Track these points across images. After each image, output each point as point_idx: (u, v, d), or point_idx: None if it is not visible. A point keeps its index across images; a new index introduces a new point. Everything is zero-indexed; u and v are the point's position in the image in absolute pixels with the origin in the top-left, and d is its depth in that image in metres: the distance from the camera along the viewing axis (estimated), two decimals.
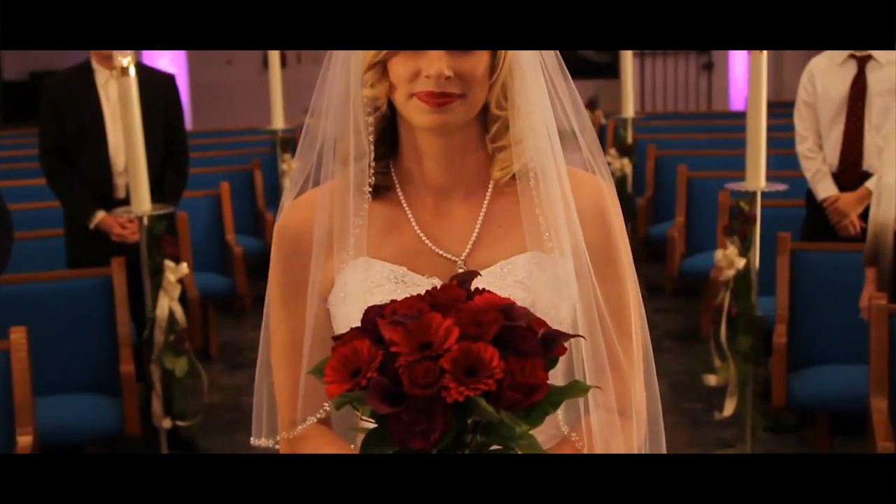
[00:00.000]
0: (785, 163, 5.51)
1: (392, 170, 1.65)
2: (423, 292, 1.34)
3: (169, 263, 4.49)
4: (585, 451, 1.55)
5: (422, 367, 1.23)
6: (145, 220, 4.44)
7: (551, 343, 1.32)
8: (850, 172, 4.79)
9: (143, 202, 4.38)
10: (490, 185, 1.64)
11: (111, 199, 4.70)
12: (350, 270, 1.60)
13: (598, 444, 1.55)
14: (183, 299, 4.56)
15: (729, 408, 4.41)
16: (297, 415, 1.62)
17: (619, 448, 1.57)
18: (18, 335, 3.65)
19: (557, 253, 1.57)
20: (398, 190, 1.64)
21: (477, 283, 1.39)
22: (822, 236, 4.79)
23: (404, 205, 1.64)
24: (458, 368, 1.23)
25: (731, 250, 4.41)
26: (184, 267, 4.53)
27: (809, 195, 4.93)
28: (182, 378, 4.50)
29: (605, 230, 1.63)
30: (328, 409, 1.58)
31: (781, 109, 7.00)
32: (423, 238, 1.62)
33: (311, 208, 1.63)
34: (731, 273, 4.40)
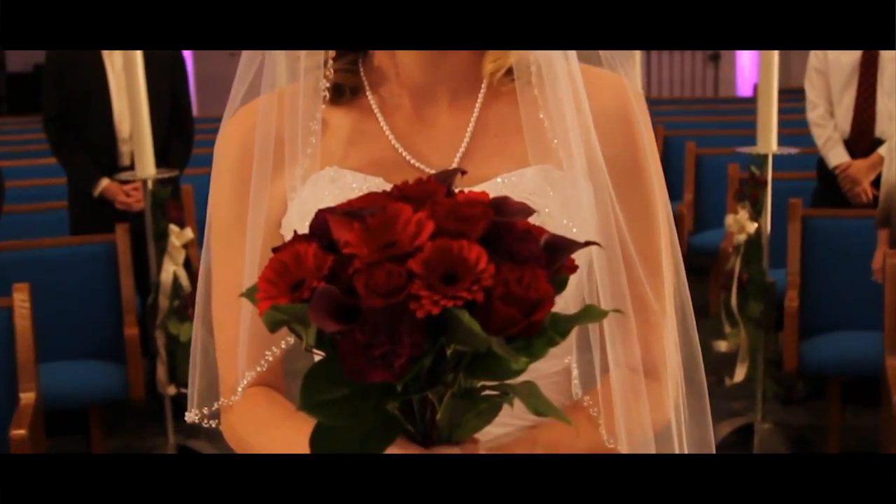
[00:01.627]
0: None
1: (360, 68, 1.23)
2: None
3: (174, 228, 4.14)
4: (602, 421, 1.15)
5: (383, 271, 0.84)
6: (150, 185, 4.10)
7: (557, 252, 0.93)
8: (863, 139, 4.43)
9: (147, 166, 4.06)
10: (483, 85, 1.21)
11: (115, 167, 4.38)
12: (312, 183, 1.18)
13: (617, 410, 1.13)
14: (188, 265, 4.21)
15: (740, 374, 4.04)
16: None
17: (643, 416, 1.15)
18: (21, 292, 3.41)
19: (569, 168, 1.16)
20: (367, 93, 1.22)
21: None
22: (834, 206, 4.41)
23: (376, 110, 1.21)
24: (433, 273, 0.85)
25: (742, 215, 4.02)
26: (188, 232, 4.17)
27: (820, 164, 4.56)
28: (186, 344, 4.13)
29: (630, 140, 1.20)
30: (274, 354, 1.20)
31: (789, 95, 6.67)
32: (400, 150, 1.20)
33: (256, 117, 1.22)
34: (741, 238, 4.02)
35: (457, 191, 0.96)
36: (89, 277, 4.12)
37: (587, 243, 0.96)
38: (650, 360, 1.18)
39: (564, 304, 1.06)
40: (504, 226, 0.91)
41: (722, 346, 4.13)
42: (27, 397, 3.32)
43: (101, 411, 4.13)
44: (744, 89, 11.97)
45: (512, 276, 0.88)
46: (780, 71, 3.99)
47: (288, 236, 1.18)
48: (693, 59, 12.84)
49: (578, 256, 0.97)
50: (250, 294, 0.94)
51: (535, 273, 0.89)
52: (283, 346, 1.20)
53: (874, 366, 3.69)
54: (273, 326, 0.88)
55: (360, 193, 1.13)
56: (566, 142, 1.16)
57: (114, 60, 4.35)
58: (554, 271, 0.92)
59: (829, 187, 4.51)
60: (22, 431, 3.13)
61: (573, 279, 0.98)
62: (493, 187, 1.15)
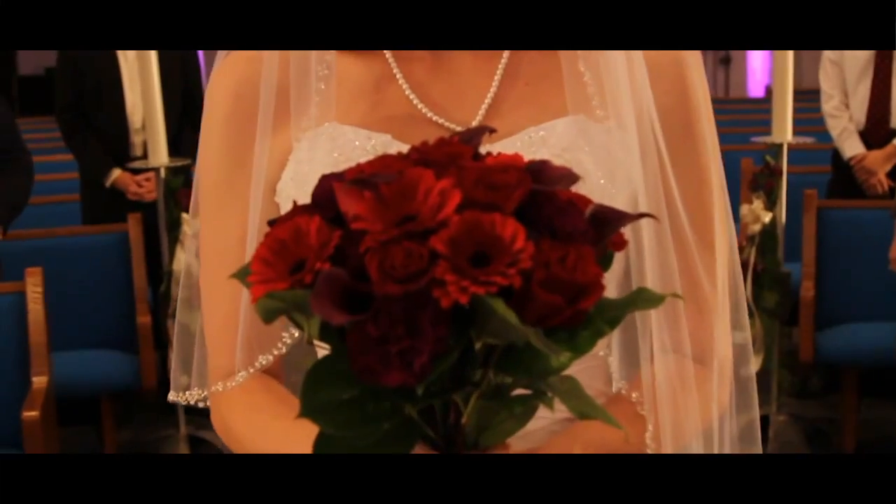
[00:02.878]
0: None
1: None
2: None
3: (186, 217, 3.98)
4: (649, 415, 0.96)
5: (401, 251, 0.67)
6: (162, 173, 3.95)
7: (605, 226, 0.76)
8: (878, 130, 4.25)
9: (160, 155, 3.92)
10: None
11: (127, 157, 4.23)
12: (309, 142, 1.00)
13: (664, 403, 0.95)
14: None
15: (755, 364, 3.85)
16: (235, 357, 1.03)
17: (692, 409, 0.97)
18: (34, 276, 3.30)
19: (612, 121, 0.97)
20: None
21: (492, 151, 0.83)
22: (849, 197, 4.23)
23: (389, 58, 1.03)
24: (460, 253, 0.67)
25: (757, 205, 3.84)
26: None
27: (835, 155, 4.39)
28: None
29: (683, 93, 1.01)
30: (279, 350, 1.03)
31: (800, 96, 6.49)
32: (414, 101, 1.01)
33: (256, 62, 1.03)
34: (756, 228, 3.84)
35: (483, 152, 0.78)
36: (102, 267, 4.02)
37: (640, 215, 0.78)
38: (702, 346, 1.00)
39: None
40: (543, 196, 0.73)
41: (737, 337, 3.95)
42: (39, 381, 3.22)
43: (113, 402, 4.00)
44: (755, 91, 11.73)
45: (554, 255, 0.70)
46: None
47: (283, 203, 1.02)
48: (704, 62, 12.58)
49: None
50: (242, 275, 0.76)
51: (580, 252, 0.71)
52: (287, 341, 1.02)
53: (890, 357, 3.55)
54: (268, 316, 0.70)
55: (364, 153, 0.97)
56: (610, 92, 0.98)
57: (126, 51, 4.21)
58: (601, 248, 0.75)
59: (844, 178, 4.33)
60: (34, 413, 3.02)
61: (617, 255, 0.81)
62: (520, 142, 0.97)
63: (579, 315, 0.71)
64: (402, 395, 0.69)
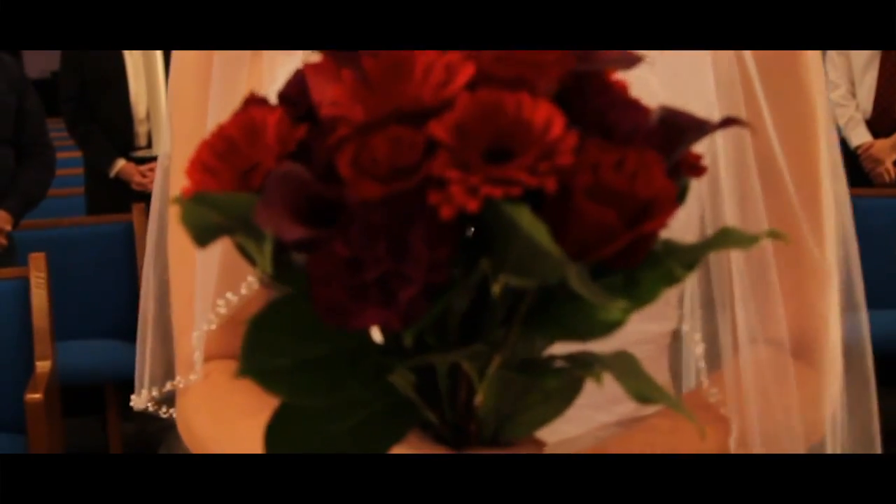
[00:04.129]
0: None
1: None
2: None
3: None
4: (731, 416, 0.69)
5: (385, 139, 0.43)
6: (165, 161, 3.72)
7: (678, 133, 0.51)
8: (885, 118, 4.03)
9: (164, 143, 3.69)
10: None
11: (132, 147, 4.04)
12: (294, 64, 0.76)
13: (751, 400, 0.68)
14: None
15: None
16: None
17: (788, 411, 0.69)
18: (37, 261, 3.13)
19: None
20: None
21: None
22: (856, 185, 4.01)
23: None
24: (470, 143, 0.43)
25: None
26: None
27: (842, 144, 4.15)
28: None
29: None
30: (229, 303, 0.78)
31: None
32: None
33: None
34: None
35: None
36: (106, 257, 3.84)
37: (728, 121, 0.53)
38: (802, 332, 0.73)
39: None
40: (593, 82, 0.49)
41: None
42: (43, 365, 3.07)
43: (117, 393, 3.78)
44: None
45: (606, 158, 0.47)
46: None
47: None
48: None
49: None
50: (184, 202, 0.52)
51: (643, 157, 0.47)
52: (244, 291, 0.77)
53: None
54: (200, 234, 0.45)
55: None
56: None
57: None
58: (671, 166, 0.51)
59: (851, 168, 4.10)
60: (37, 396, 2.84)
61: (689, 199, 0.56)
62: None
63: (642, 244, 0.47)
64: (386, 351, 0.44)
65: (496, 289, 0.49)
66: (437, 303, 0.41)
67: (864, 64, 4.04)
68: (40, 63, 12.00)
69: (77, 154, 4.41)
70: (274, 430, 0.49)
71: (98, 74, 4.01)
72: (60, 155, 5.21)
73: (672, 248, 0.50)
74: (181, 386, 0.82)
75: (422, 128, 0.43)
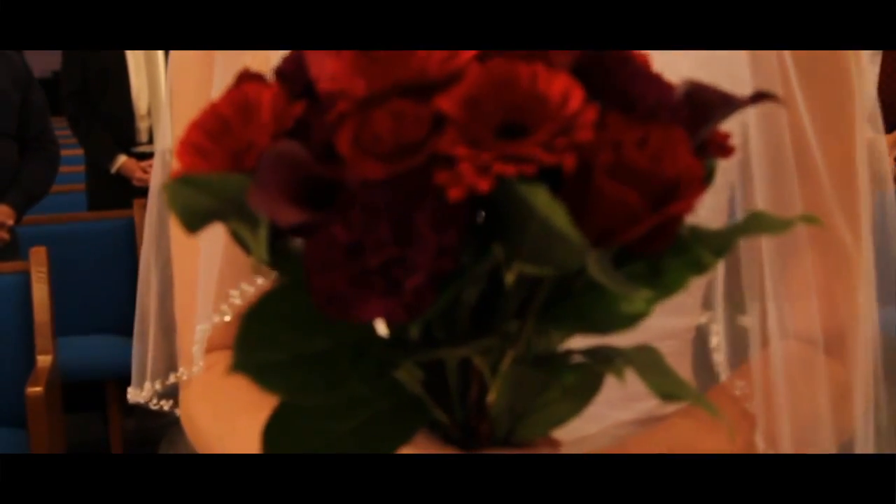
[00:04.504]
0: None
1: None
2: None
3: None
4: (759, 412, 0.65)
5: (388, 113, 0.39)
6: (167, 156, 3.69)
7: (706, 109, 0.48)
8: (887, 115, 3.97)
9: (166, 138, 3.66)
10: None
11: (133, 143, 4.03)
12: None
13: (779, 398, 0.65)
14: None
15: None
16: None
17: (817, 407, 0.66)
18: (38, 255, 3.13)
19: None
20: None
21: None
22: None
23: None
24: (481, 118, 0.39)
25: None
26: None
27: None
28: None
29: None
30: (244, 294, 0.74)
31: None
32: None
33: None
34: None
35: None
36: (108, 253, 3.84)
37: (759, 96, 0.49)
38: (832, 324, 0.69)
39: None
40: (615, 54, 0.45)
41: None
42: (44, 359, 3.06)
43: (118, 388, 3.75)
44: None
45: (629, 134, 0.43)
46: None
47: None
48: None
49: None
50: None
51: (669, 134, 0.44)
52: (261, 281, 0.74)
53: None
54: (189, 219, 0.42)
55: None
56: None
57: None
58: (698, 145, 0.47)
59: None
60: (38, 389, 2.83)
61: (717, 182, 0.52)
62: None
63: (667, 228, 0.43)
64: (390, 346, 0.41)
65: (509, 277, 0.45)
66: (446, 292, 0.37)
67: (866, 59, 4.01)
68: (42, 62, 11.97)
69: (79, 151, 4.39)
70: (272, 430, 0.46)
71: (99, 70, 3.99)
72: (62, 152, 5.21)
73: (699, 234, 0.46)
74: (184, 378, 0.78)
75: (429, 102, 0.39)
